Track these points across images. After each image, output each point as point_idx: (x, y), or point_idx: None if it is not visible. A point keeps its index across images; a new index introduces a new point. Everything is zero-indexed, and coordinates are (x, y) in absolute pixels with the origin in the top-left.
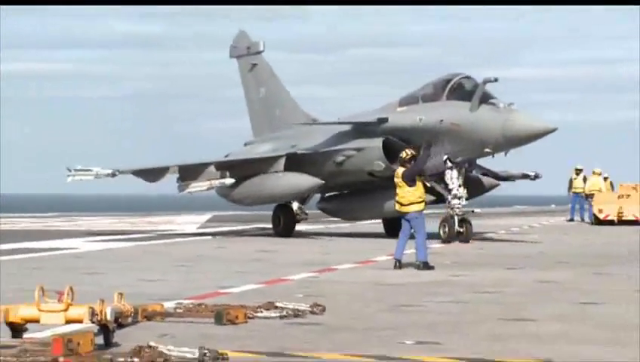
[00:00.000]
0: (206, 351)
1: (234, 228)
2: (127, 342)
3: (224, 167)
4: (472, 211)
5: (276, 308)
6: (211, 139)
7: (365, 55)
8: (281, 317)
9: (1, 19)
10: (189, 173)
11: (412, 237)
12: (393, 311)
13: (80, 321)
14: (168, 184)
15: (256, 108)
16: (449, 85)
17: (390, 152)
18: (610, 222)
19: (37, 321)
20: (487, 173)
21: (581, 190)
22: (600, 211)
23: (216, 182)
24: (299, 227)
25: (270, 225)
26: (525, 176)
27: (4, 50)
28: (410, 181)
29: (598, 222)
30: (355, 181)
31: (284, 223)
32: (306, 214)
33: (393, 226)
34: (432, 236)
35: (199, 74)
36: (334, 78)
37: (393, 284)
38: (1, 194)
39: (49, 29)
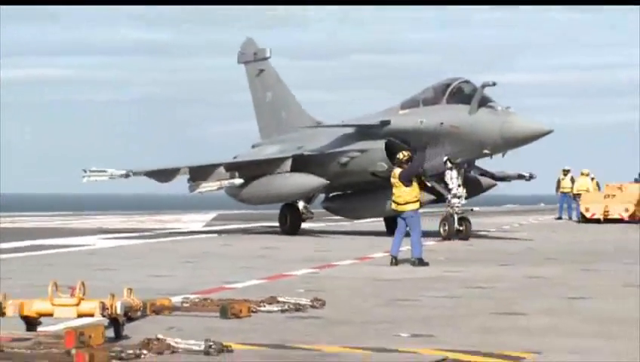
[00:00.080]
0: (211, 344)
1: (241, 226)
2: (137, 335)
3: (233, 167)
4: (471, 210)
5: (278, 302)
6: (219, 141)
7: (365, 61)
8: (283, 311)
9: (21, 28)
10: (199, 173)
11: (407, 235)
12: (389, 306)
13: (91, 315)
14: (175, 184)
15: (264, 112)
16: (449, 89)
17: (392, 154)
18: (597, 221)
19: (50, 315)
20: (485, 173)
21: (569, 190)
22: (587, 210)
23: (226, 183)
24: (304, 225)
25: (274, 223)
26: (520, 177)
27: (23, 57)
28: (406, 181)
29: (585, 220)
30: (358, 181)
31: (291, 222)
32: (312, 213)
33: (394, 224)
34: (430, 234)
35: (206, 79)
36: (335, 82)
37: (389, 280)
38: (15, 193)
39: (64, 36)
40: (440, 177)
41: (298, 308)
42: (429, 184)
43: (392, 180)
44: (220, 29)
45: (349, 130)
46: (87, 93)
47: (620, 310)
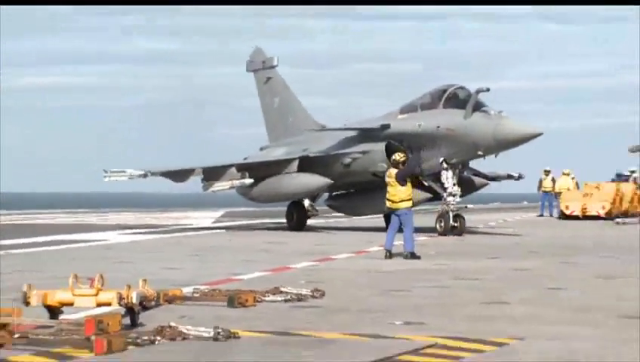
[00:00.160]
0: (220, 331)
1: (249, 222)
2: (151, 323)
3: (244, 168)
4: (466, 207)
5: (281, 292)
6: (229, 144)
7: (364, 69)
8: (285, 301)
9: (44, 39)
10: (212, 174)
11: (400, 230)
12: (384, 295)
13: (109, 304)
14: (180, 183)
15: (272, 117)
16: (445, 95)
17: (392, 155)
18: (576, 217)
19: (71, 304)
20: (478, 173)
21: (550, 189)
22: (567, 207)
23: (237, 182)
24: (309, 222)
25: (280, 220)
26: (510, 177)
27: (48, 66)
28: (402, 181)
29: (564, 217)
30: (360, 181)
31: (297, 218)
32: (317, 210)
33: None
34: (424, 230)
35: (216, 85)
36: (335, 89)
37: (384, 272)
38: (40, 192)
39: (85, 47)
40: (436, 177)
41: (300, 298)
42: (426, 183)
43: (388, 180)
44: (227, 40)
45: (352, 133)
46: (105, 98)
47: (596, 299)
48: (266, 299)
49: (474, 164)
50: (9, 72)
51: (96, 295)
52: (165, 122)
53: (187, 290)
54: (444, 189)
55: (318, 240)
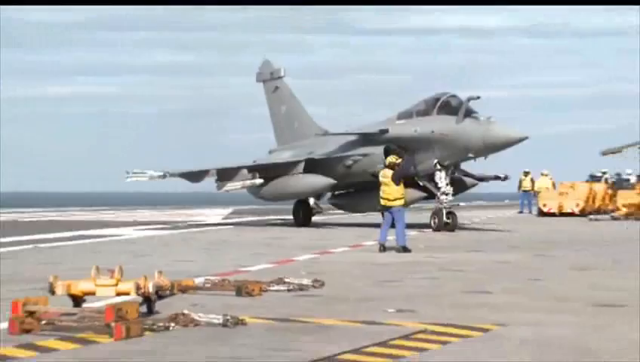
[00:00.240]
0: (228, 317)
1: (257, 219)
2: (166, 310)
3: (255, 169)
4: (458, 205)
5: (285, 283)
6: (239, 148)
7: (361, 80)
8: (288, 291)
9: (73, 52)
10: (225, 174)
11: (392, 226)
12: (378, 286)
13: (128, 294)
14: (177, 182)
15: (279, 122)
16: (439, 102)
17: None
18: (552, 214)
19: (93, 294)
20: (468, 174)
21: (529, 188)
22: (544, 205)
23: (248, 183)
24: (314, 218)
25: (286, 216)
26: (497, 178)
27: (76, 77)
28: (397, 181)
29: (542, 214)
30: (360, 181)
31: (303, 215)
32: (321, 208)
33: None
34: (415, 226)
35: (228, 95)
36: (335, 98)
37: (378, 264)
38: (68, 192)
39: (106, 59)
40: (430, 177)
41: (301, 287)
42: (421, 183)
43: (383, 180)
44: (237, 53)
45: (353, 138)
46: (126, 106)
47: (570, 289)
48: (271, 288)
49: (465, 165)
50: (37, 82)
51: (115, 285)
52: (180, 128)
53: (199, 281)
54: (438, 189)
55: (318, 235)
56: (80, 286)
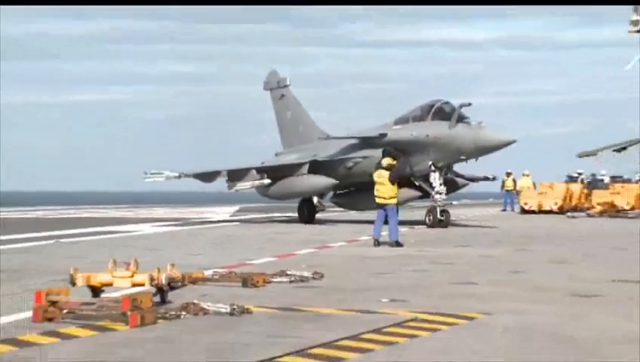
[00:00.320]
0: (235, 307)
1: (263, 216)
2: (177, 300)
3: (263, 170)
4: (451, 203)
5: (287, 275)
6: (247, 150)
7: (355, 89)
8: (290, 282)
9: (91, 63)
10: (235, 175)
11: (386, 222)
12: (373, 277)
13: (142, 285)
14: (191, 181)
15: (285, 127)
16: (433, 108)
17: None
18: (533, 212)
19: (110, 285)
20: (459, 175)
21: (511, 188)
22: (525, 204)
23: (257, 183)
24: (317, 216)
25: (287, 214)
26: (486, 178)
27: (91, 86)
28: (394, 181)
29: (523, 211)
30: (360, 181)
31: (308, 213)
32: (324, 206)
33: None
34: (407, 223)
35: (236, 102)
36: (333, 105)
37: (373, 257)
38: (82, 191)
39: (120, 69)
40: (425, 178)
41: (302, 279)
42: (417, 183)
43: (379, 179)
44: (242, 63)
45: (354, 141)
46: (140, 112)
47: (550, 280)
48: (274, 280)
49: (457, 167)
50: (58, 90)
51: (131, 277)
52: (192, 132)
53: (208, 273)
54: (432, 188)
55: (318, 231)
56: (98, 278)
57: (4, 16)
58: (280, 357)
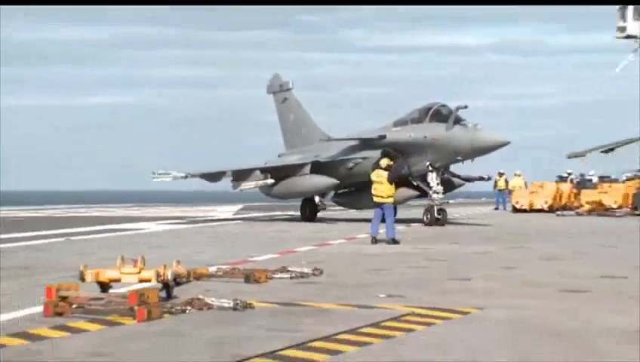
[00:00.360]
0: (238, 302)
1: (266, 214)
2: (183, 295)
3: (267, 171)
4: (448, 202)
5: (288, 271)
6: (251, 151)
7: (354, 93)
8: (291, 278)
9: (104, 68)
10: (240, 175)
11: (383, 220)
12: (371, 273)
13: (149, 281)
14: (197, 181)
15: (288, 129)
16: (430, 111)
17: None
18: (524, 211)
19: (118, 281)
20: (456, 175)
21: (503, 187)
22: (517, 203)
23: (261, 182)
24: (319, 214)
25: (288, 212)
26: (481, 178)
27: (105, 89)
28: (391, 181)
29: (515, 210)
30: (360, 181)
31: (310, 211)
32: (325, 205)
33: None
34: (403, 221)
35: (241, 105)
36: (332, 108)
37: (370, 254)
38: (92, 190)
39: (132, 74)
40: (423, 178)
41: (302, 275)
42: (415, 183)
43: (378, 179)
44: (246, 68)
45: (354, 143)
46: (150, 114)
47: (540, 276)
48: (276, 276)
49: (453, 167)
50: (77, 94)
51: (138, 273)
52: (199, 133)
53: (212, 269)
54: (430, 188)
55: (317, 229)
56: (107, 274)
57: (22, 22)
58: (281, 350)
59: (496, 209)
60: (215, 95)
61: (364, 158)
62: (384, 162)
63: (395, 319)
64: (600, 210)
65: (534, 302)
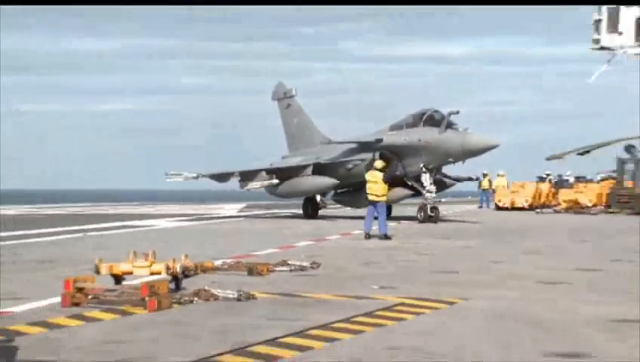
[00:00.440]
0: (241, 293)
1: (269, 212)
2: (191, 287)
3: (272, 171)
4: (440, 201)
5: (288, 264)
6: (256, 154)
7: (350, 99)
8: (291, 271)
9: (122, 77)
10: (247, 176)
11: (375, 218)
12: (365, 266)
13: (159, 273)
14: (207, 181)
15: (291, 133)
16: (424, 116)
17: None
18: (506, 209)
19: (131, 274)
20: (447, 176)
21: (487, 187)
22: (499, 201)
23: (266, 183)
24: (320, 212)
25: (290, 210)
26: (469, 179)
27: (117, 96)
28: (386, 181)
29: (498, 208)
30: (359, 181)
31: (311, 209)
32: (325, 204)
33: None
34: (394, 218)
35: (245, 110)
36: (330, 114)
37: (365, 248)
38: (106, 189)
39: (144, 84)
40: (417, 178)
41: (302, 268)
42: (409, 183)
43: (372, 179)
44: (250, 77)
45: (353, 145)
46: (159, 120)
47: (521, 269)
48: (277, 269)
49: (445, 169)
50: (93, 101)
51: (149, 266)
52: (208, 137)
53: (217, 263)
54: (424, 188)
55: (316, 225)
56: (120, 267)
57: (41, 34)
58: (281, 337)
59: (480, 207)
60: (222, 101)
61: (362, 160)
62: (380, 164)
63: (387, 309)
64: (576, 208)
65: (516, 294)
